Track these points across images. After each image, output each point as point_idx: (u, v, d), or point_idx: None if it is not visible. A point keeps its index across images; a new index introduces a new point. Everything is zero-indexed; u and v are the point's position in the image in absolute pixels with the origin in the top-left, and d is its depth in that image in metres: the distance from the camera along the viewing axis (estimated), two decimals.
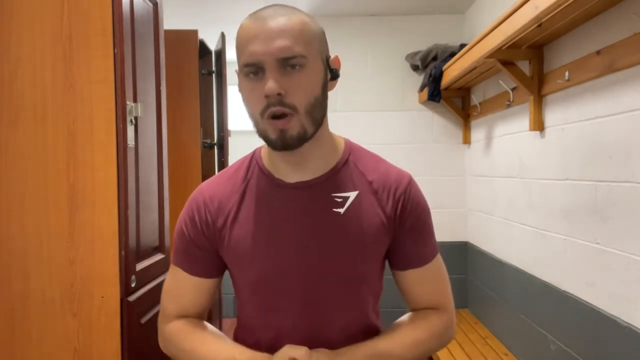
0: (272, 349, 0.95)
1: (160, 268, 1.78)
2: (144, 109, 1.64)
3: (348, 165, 1.02)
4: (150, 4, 1.77)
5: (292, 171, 0.98)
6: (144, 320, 1.62)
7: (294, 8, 0.93)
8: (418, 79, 3.50)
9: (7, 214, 1.48)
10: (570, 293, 2.02)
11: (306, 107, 0.89)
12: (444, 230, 3.52)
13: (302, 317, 0.97)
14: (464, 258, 3.50)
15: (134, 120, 1.55)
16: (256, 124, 0.92)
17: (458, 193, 3.52)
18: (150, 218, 1.70)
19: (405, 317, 1.08)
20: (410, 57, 3.46)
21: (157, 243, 1.77)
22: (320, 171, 0.99)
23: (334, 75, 0.96)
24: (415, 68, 3.48)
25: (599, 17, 1.79)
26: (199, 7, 3.30)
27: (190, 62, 2.76)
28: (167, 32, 2.01)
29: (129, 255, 1.51)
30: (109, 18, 1.48)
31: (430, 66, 3.23)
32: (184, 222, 1.03)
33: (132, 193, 1.54)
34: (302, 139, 0.90)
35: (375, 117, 3.53)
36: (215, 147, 3.07)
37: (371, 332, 1.04)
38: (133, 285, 1.53)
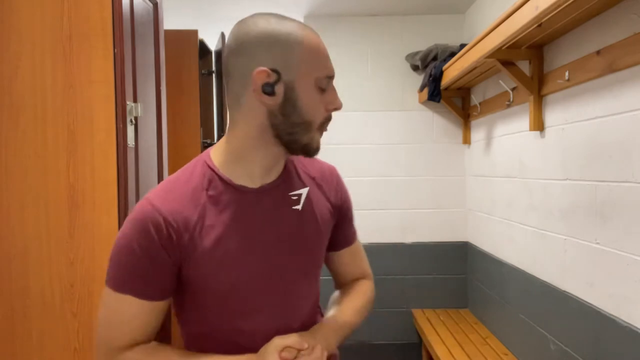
0: (244, 352, 0.95)
1: None
2: (144, 109, 1.64)
3: (291, 166, 1.07)
4: (150, 4, 1.77)
5: (261, 175, 0.99)
6: None
7: None
8: (418, 79, 3.50)
9: (7, 214, 1.48)
10: (570, 293, 2.02)
11: None
12: (444, 230, 3.52)
13: (277, 314, 1.00)
14: (464, 258, 3.50)
15: (134, 120, 1.56)
16: (308, 129, 0.94)
17: (458, 193, 3.52)
18: None
19: (342, 291, 1.17)
20: (410, 57, 3.46)
21: None
22: (277, 174, 1.02)
23: None
24: (415, 68, 3.49)
25: (599, 17, 1.79)
26: (199, 7, 3.30)
27: (190, 62, 2.76)
28: (167, 32, 2.01)
29: None
30: (109, 18, 1.48)
31: (430, 66, 3.23)
32: (137, 244, 0.92)
33: (132, 193, 1.55)
34: None
35: (375, 117, 3.53)
36: None
37: (318, 316, 1.11)
38: None
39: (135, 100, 1.57)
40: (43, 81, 1.48)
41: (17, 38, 1.47)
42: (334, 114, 1.01)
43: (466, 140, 3.44)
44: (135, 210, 0.95)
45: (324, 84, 0.94)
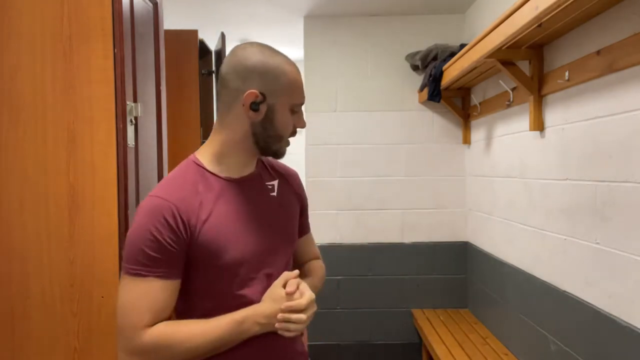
0: None
1: None
2: (144, 109, 1.64)
3: (262, 163, 1.30)
4: (150, 4, 1.77)
5: (241, 169, 1.21)
6: None
7: None
8: (418, 79, 3.50)
9: (7, 214, 1.48)
10: (570, 293, 2.02)
11: None
12: (444, 230, 3.52)
13: (268, 282, 1.18)
14: (464, 258, 3.50)
15: (134, 120, 1.56)
16: (279, 140, 1.19)
17: (458, 193, 3.52)
18: None
19: (307, 267, 1.40)
20: (410, 57, 3.46)
21: None
22: (252, 168, 1.25)
23: None
24: (415, 68, 3.48)
25: (599, 17, 1.79)
26: (199, 7, 3.30)
27: (190, 62, 2.76)
28: (167, 32, 2.01)
29: None
30: (109, 18, 1.48)
31: (430, 66, 3.23)
32: (155, 230, 1.07)
33: (132, 193, 1.55)
34: None
35: (375, 117, 3.53)
36: None
37: None
38: None
39: (135, 100, 1.57)
40: (43, 81, 1.48)
41: (17, 38, 1.47)
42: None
43: (466, 140, 3.44)
44: (144, 205, 1.10)
45: (297, 109, 1.19)
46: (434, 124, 3.53)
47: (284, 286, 1.15)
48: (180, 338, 1.07)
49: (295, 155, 2.00)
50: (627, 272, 1.66)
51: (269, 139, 1.17)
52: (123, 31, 1.49)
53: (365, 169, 3.52)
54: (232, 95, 1.15)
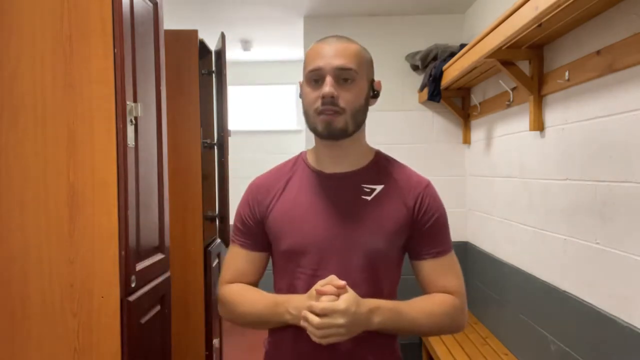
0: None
1: (161, 268, 1.78)
2: (144, 109, 1.63)
3: (377, 166, 1.26)
4: (150, 4, 1.77)
5: (332, 164, 1.23)
6: (144, 320, 1.62)
7: (352, 39, 1.26)
8: (418, 79, 3.50)
9: (7, 214, 1.48)
10: (570, 293, 2.02)
11: (352, 110, 1.18)
12: None
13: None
14: (464, 258, 3.50)
15: (134, 120, 1.55)
16: (308, 119, 1.19)
17: (458, 193, 3.52)
18: (150, 218, 1.70)
19: (423, 295, 1.26)
20: (410, 57, 3.46)
21: (157, 243, 1.77)
22: (353, 167, 1.23)
23: (376, 94, 1.28)
24: (415, 68, 3.48)
25: (599, 17, 1.79)
26: (199, 7, 3.30)
27: (190, 62, 2.75)
28: (167, 32, 2.01)
29: (129, 255, 1.51)
30: (109, 18, 1.47)
31: (430, 66, 3.23)
32: (241, 206, 1.29)
33: (132, 193, 1.54)
34: (344, 133, 1.18)
35: (375, 117, 3.51)
36: (215, 147, 3.07)
37: None
38: (133, 285, 1.53)
39: (135, 100, 1.57)
40: (43, 81, 1.47)
41: (17, 38, 1.47)
42: None
43: (466, 140, 3.44)
44: None
45: (314, 77, 1.16)
46: (434, 124, 3.53)
47: None
48: (239, 300, 1.23)
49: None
50: (627, 272, 1.66)
51: (305, 120, 1.21)
52: (123, 31, 1.49)
53: None
54: None
